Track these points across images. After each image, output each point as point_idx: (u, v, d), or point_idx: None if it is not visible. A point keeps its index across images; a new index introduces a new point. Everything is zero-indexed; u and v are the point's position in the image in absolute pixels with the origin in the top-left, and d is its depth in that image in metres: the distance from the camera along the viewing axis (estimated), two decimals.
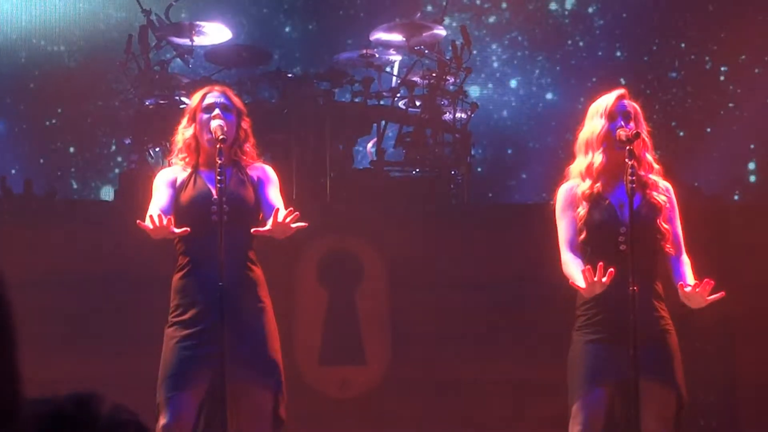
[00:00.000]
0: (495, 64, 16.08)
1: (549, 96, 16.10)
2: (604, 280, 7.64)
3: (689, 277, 8.05)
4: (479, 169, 13.78)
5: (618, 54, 16.07)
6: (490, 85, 15.96)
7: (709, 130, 15.28)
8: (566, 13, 16.18)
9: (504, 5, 16.06)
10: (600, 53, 15.99)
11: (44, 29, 14.96)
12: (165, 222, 7.55)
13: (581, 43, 16.09)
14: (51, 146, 14.66)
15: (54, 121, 14.99)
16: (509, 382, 10.01)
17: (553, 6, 16.28)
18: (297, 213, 7.67)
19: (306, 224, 7.77)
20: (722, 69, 15.52)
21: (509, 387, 9.98)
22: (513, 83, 16.14)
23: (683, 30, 15.87)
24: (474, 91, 14.71)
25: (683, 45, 15.95)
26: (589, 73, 15.60)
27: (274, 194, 8.12)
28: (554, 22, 16.17)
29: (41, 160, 14.88)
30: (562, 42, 15.97)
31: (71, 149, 14.92)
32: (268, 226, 7.77)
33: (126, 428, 1.91)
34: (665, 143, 14.50)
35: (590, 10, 16.12)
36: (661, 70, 15.81)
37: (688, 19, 15.87)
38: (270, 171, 8.24)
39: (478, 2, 16.01)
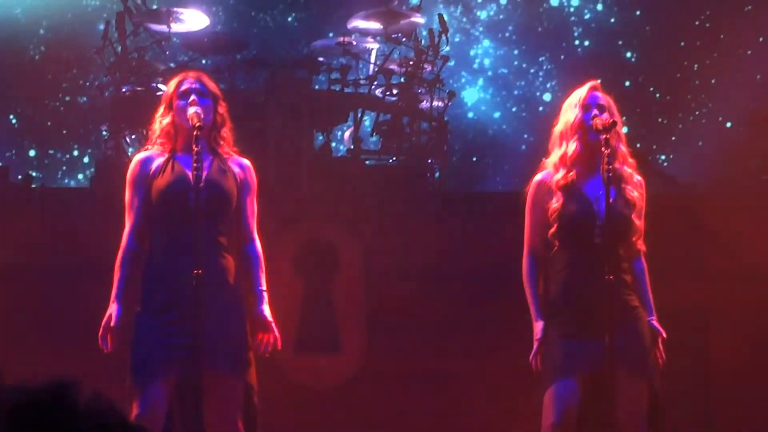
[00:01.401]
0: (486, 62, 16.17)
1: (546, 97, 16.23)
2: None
3: (648, 290, 8.22)
4: (454, 159, 13.74)
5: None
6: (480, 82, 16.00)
7: (680, 126, 15.30)
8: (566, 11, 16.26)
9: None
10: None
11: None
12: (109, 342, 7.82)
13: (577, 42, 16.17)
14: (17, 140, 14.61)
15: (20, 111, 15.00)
16: (485, 371, 10.00)
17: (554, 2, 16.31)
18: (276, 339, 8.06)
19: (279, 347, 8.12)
20: (698, 65, 15.54)
21: (486, 377, 9.97)
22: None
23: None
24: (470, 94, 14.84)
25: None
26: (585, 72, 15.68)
27: (251, 202, 8.17)
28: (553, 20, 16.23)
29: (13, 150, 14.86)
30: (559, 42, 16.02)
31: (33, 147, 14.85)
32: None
33: (105, 416, 1.91)
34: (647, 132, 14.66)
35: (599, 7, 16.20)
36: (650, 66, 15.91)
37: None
38: (252, 173, 8.18)
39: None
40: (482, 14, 16.10)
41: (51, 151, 14.52)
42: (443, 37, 12.70)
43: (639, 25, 15.85)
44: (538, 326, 8.15)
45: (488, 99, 16.02)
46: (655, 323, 8.20)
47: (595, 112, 8.29)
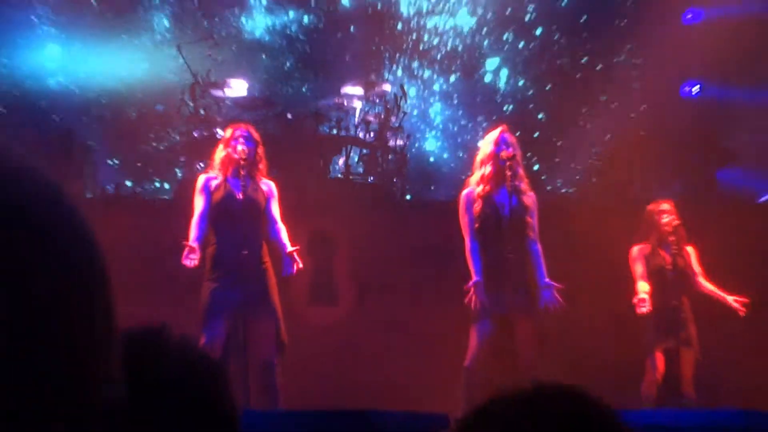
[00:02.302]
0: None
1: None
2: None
3: (542, 266, 8.28)
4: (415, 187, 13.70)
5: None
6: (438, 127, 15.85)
7: (560, 143, 15.15)
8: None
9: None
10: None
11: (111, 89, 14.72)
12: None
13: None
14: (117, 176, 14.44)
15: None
16: (435, 317, 9.97)
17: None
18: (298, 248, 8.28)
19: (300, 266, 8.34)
20: (581, 120, 15.41)
21: (436, 321, 9.94)
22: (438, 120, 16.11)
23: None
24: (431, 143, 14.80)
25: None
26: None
27: (275, 206, 8.32)
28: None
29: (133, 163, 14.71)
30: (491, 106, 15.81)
31: (131, 180, 14.65)
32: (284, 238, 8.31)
33: (189, 350, 1.83)
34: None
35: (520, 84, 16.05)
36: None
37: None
38: (274, 188, 8.43)
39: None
40: (436, 86, 15.88)
41: (143, 183, 14.38)
42: (403, 100, 12.68)
43: (548, 95, 15.62)
44: (474, 279, 8.24)
45: (442, 146, 15.86)
46: (548, 280, 8.28)
47: (503, 147, 8.45)
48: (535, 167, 14.18)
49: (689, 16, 14.72)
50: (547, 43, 15.63)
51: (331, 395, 9.79)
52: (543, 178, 14.24)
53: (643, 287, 9.20)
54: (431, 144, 15.86)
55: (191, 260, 8.00)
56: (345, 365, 10.48)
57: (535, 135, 15.10)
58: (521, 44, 15.77)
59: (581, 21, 15.44)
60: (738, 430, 7.05)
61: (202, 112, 12.21)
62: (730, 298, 9.27)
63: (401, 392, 9.55)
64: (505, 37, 15.80)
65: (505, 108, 15.69)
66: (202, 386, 1.80)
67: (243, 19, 15.62)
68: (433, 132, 15.89)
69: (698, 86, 14.73)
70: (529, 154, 13.76)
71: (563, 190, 14.44)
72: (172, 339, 1.81)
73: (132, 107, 14.76)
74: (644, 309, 9.07)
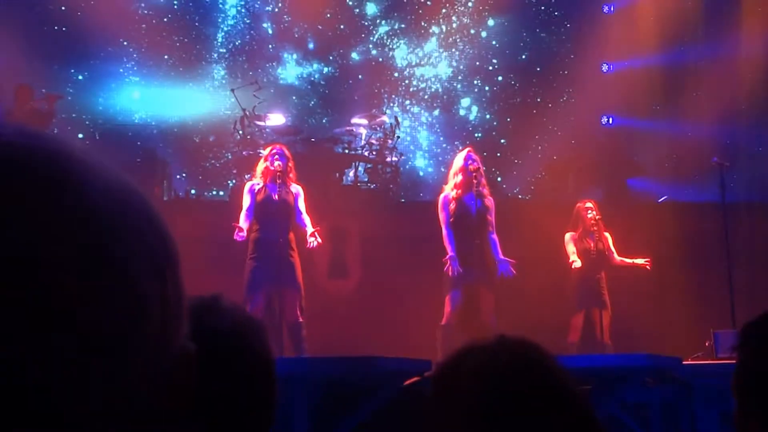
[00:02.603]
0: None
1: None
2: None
3: (498, 249, 8.28)
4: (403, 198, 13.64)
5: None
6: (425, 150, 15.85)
7: (516, 161, 15.13)
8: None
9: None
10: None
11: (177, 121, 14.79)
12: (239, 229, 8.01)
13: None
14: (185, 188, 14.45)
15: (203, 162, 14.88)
16: (428, 288, 9.85)
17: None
18: (318, 228, 8.25)
19: (320, 241, 8.34)
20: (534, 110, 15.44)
21: (429, 292, 9.81)
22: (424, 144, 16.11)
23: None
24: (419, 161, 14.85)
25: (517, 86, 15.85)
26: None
27: (302, 203, 8.27)
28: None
29: (197, 176, 14.70)
30: (463, 133, 15.63)
31: (194, 189, 14.70)
32: (307, 222, 8.25)
33: (241, 313, 1.83)
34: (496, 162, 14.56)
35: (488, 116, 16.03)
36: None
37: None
38: (301, 191, 8.38)
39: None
40: (423, 119, 15.85)
41: (203, 190, 14.42)
42: (397, 128, 12.67)
43: (508, 126, 15.59)
44: (450, 254, 8.22)
45: (427, 163, 15.80)
46: (503, 257, 8.25)
47: (470, 161, 8.40)
48: (498, 179, 14.14)
49: (605, 67, 14.83)
50: (507, 87, 15.64)
51: (343, 346, 9.77)
52: (504, 186, 14.22)
53: (574, 255, 9.25)
54: (420, 161, 15.83)
55: (240, 237, 8.04)
56: (354, 324, 10.43)
57: (498, 155, 15.12)
58: (487, 88, 15.77)
59: (536, 71, 15.48)
60: (644, 369, 7.05)
61: (248, 137, 12.16)
62: (638, 261, 9.38)
63: (396, 343, 9.53)
64: (475, 82, 15.80)
65: (476, 135, 15.64)
66: (247, 338, 1.79)
67: (279, 70, 15.68)
68: (421, 152, 15.85)
69: (612, 118, 14.79)
70: (494, 169, 13.81)
71: (519, 196, 14.44)
72: (225, 303, 1.81)
73: (196, 134, 14.78)
74: (577, 265, 9.20)
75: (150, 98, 14.78)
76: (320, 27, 15.62)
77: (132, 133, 13.84)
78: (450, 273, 8.26)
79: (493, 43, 15.80)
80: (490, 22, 15.77)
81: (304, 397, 6.09)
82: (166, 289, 0.72)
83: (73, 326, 0.65)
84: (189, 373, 0.75)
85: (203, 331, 1.68)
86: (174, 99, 14.72)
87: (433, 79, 15.83)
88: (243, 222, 8.12)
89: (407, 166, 14.97)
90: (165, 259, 0.73)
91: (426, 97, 15.87)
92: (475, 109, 15.91)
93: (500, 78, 15.74)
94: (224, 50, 15.55)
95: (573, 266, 9.23)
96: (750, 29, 13.95)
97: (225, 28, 15.68)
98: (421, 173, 15.74)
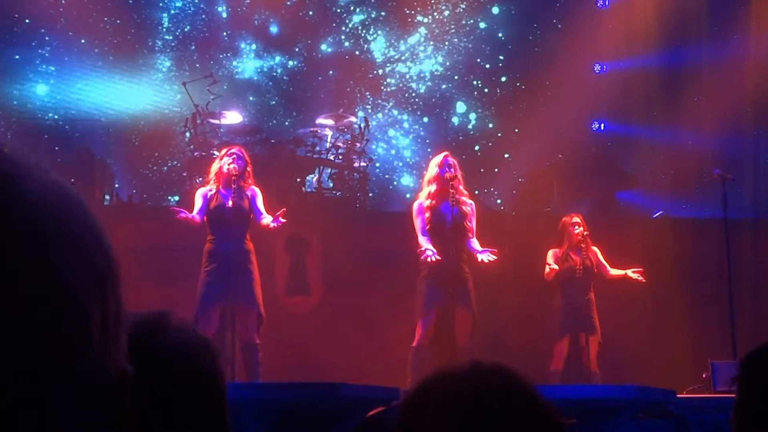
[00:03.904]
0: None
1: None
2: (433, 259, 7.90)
3: (479, 247, 8.30)
4: (370, 194, 13.63)
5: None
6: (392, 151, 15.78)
7: (496, 170, 15.18)
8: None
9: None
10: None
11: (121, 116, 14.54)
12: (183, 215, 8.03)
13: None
14: (137, 177, 14.35)
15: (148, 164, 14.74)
16: (397, 306, 9.90)
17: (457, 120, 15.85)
18: (284, 210, 8.09)
19: (285, 221, 8.11)
20: (516, 130, 15.51)
21: (397, 310, 9.86)
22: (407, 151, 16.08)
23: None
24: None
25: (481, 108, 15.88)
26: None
27: (260, 203, 8.25)
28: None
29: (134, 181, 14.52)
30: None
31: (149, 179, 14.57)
32: (268, 219, 8.13)
33: (189, 332, 1.82)
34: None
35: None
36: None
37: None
38: (258, 191, 8.34)
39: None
40: (406, 125, 15.70)
41: (151, 193, 14.30)
42: (366, 129, 12.66)
43: (501, 131, 15.57)
44: (423, 246, 8.22)
45: (408, 176, 15.71)
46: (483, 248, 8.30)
47: (446, 168, 8.44)
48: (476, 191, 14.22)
49: (598, 67, 14.88)
50: (492, 85, 15.67)
51: (302, 370, 9.76)
52: (477, 192, 14.19)
53: (553, 265, 9.32)
54: (405, 179, 15.66)
55: (182, 215, 8.08)
56: (315, 346, 10.40)
57: (497, 170, 15.15)
58: (476, 84, 15.75)
59: (521, 68, 15.52)
60: (635, 402, 7.08)
61: (200, 137, 12.07)
62: (629, 272, 9.42)
63: (361, 368, 9.52)
64: (473, 82, 15.73)
65: (459, 138, 15.55)
66: (196, 360, 1.78)
67: (235, 62, 15.43)
68: (402, 164, 15.68)
69: (603, 123, 14.86)
70: (493, 189, 13.76)
71: (501, 208, 14.50)
72: (172, 321, 1.80)
73: (139, 132, 14.56)
74: (554, 267, 9.30)
75: (69, 90, 14.28)
76: (284, 13, 15.32)
77: (70, 127, 13.70)
78: (428, 260, 8.25)
79: (481, 41, 15.65)
80: (480, 23, 15.70)
81: (258, 426, 6.07)
82: (108, 305, 0.72)
83: (7, 345, 0.65)
84: (127, 399, 0.74)
85: (147, 351, 1.66)
86: (108, 93, 14.35)
87: (416, 78, 15.65)
88: (190, 215, 8.13)
89: (386, 177, 14.93)
90: (107, 274, 0.73)
91: (409, 98, 15.66)
92: (473, 116, 15.73)
93: (478, 84, 15.75)
94: (170, 37, 15.14)
95: (548, 271, 9.28)
96: (758, 30, 14.05)
97: (172, 11, 15.23)
98: (395, 182, 15.63)
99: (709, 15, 14.49)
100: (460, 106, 15.76)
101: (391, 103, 15.59)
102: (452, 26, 15.56)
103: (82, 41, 14.37)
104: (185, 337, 1.80)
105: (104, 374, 0.72)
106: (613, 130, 14.85)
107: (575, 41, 14.41)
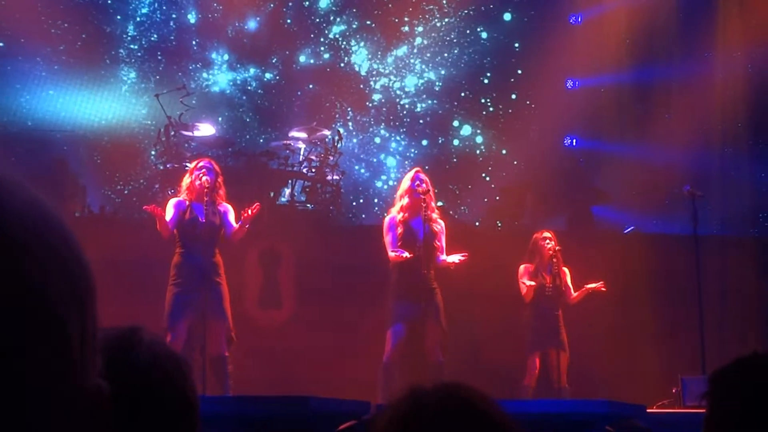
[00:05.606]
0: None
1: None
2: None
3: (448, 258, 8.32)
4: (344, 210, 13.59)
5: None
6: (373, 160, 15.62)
7: (470, 187, 15.16)
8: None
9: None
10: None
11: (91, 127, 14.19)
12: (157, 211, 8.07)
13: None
14: (109, 189, 14.17)
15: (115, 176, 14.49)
16: (367, 321, 9.90)
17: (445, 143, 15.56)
18: (258, 204, 8.20)
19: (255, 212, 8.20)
20: (497, 148, 15.51)
21: (368, 325, 9.85)
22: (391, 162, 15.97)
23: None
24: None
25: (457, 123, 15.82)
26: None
27: (232, 218, 8.26)
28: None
29: (110, 194, 14.25)
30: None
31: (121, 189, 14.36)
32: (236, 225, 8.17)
33: (161, 347, 1.81)
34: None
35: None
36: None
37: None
38: (230, 208, 8.36)
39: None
40: (393, 144, 15.43)
41: (123, 205, 13.94)
42: (340, 142, 12.63)
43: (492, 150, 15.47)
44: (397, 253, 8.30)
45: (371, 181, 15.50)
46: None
47: (418, 183, 8.47)
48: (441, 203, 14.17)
49: (570, 83, 14.94)
50: (463, 99, 15.65)
51: (273, 384, 9.74)
52: (451, 210, 14.18)
53: (529, 282, 9.36)
54: (363, 179, 15.40)
55: (151, 208, 8.13)
56: (287, 359, 10.39)
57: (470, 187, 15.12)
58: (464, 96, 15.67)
59: (492, 82, 15.51)
60: (604, 416, 7.11)
61: (172, 148, 12.00)
62: (590, 286, 9.50)
63: (333, 382, 9.52)
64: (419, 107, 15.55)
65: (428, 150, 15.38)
66: (168, 374, 1.78)
67: (205, 74, 14.99)
68: (385, 177, 15.37)
69: (575, 139, 14.91)
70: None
71: (476, 223, 14.47)
72: (144, 336, 1.79)
73: (105, 145, 14.14)
74: (530, 283, 9.40)
75: (44, 101, 13.84)
76: (259, 21, 14.94)
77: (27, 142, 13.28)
78: (402, 257, 8.24)
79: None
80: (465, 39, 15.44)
81: None
82: (86, 319, 0.72)
83: None
84: (103, 415, 0.74)
85: (120, 366, 1.66)
86: (71, 104, 13.91)
87: (399, 92, 15.28)
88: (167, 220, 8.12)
89: (350, 185, 14.80)
90: (84, 288, 0.72)
91: (391, 114, 15.27)
92: (468, 128, 15.41)
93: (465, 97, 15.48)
94: (135, 46, 14.55)
95: (526, 290, 9.34)
96: (727, 48, 14.19)
97: (138, 18, 14.59)
98: (364, 194, 15.36)
99: (678, 33, 14.59)
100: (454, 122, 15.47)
101: (368, 118, 15.32)
102: (437, 41, 15.26)
103: (38, 49, 13.82)
104: (157, 352, 1.80)
105: (82, 391, 0.71)
106: (585, 145, 14.92)
107: (548, 57, 14.45)
